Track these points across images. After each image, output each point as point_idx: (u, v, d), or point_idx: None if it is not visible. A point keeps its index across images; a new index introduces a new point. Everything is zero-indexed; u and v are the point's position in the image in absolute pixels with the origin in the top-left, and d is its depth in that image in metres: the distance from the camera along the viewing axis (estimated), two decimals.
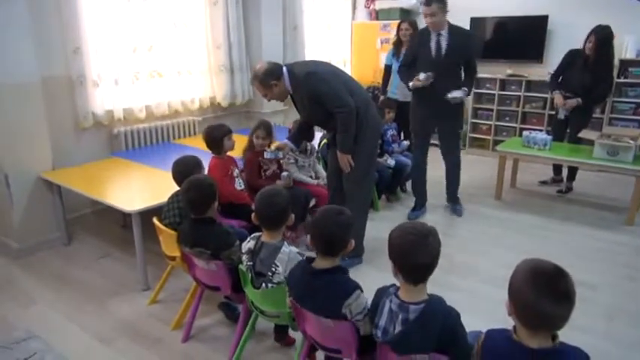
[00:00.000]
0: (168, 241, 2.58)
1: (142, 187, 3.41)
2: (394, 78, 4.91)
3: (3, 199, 3.38)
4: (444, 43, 3.69)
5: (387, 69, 5.12)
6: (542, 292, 1.24)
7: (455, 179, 4.17)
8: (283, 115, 5.54)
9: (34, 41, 3.33)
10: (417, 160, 4.12)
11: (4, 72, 3.15)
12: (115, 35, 3.99)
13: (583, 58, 4.32)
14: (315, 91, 2.89)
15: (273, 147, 3.25)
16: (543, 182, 5.05)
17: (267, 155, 3.23)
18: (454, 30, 3.73)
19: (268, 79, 2.90)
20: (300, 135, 3.34)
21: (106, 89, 3.98)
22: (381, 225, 3.93)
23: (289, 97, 3.07)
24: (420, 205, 4.20)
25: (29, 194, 3.40)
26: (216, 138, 3.16)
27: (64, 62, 3.75)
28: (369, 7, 6.91)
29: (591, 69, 4.27)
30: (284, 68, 2.95)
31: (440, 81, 3.67)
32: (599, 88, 4.32)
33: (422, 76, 3.68)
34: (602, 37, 4.19)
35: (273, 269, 2.02)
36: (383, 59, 5.42)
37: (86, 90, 3.84)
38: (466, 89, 3.75)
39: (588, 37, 4.28)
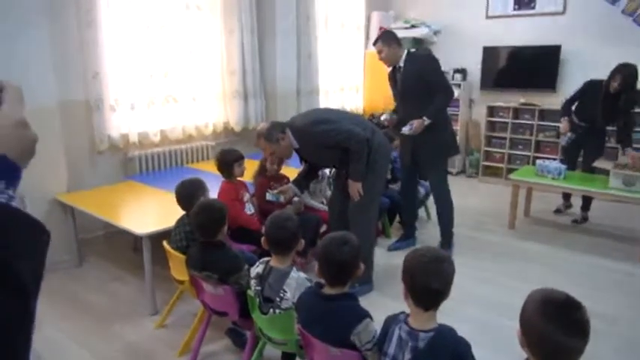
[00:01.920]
0: (177, 265, 2.58)
1: (153, 211, 3.43)
2: None
3: None
4: (401, 74, 3.64)
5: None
6: (554, 322, 1.21)
7: (441, 218, 3.90)
8: None
9: (54, 66, 3.44)
10: (404, 191, 4.02)
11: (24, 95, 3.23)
12: (133, 61, 4.10)
13: (604, 93, 4.25)
14: (323, 137, 2.94)
15: (276, 190, 3.22)
16: (557, 211, 4.98)
17: (268, 197, 3.20)
18: (409, 58, 3.61)
19: (274, 133, 2.95)
20: (306, 181, 3.35)
21: (122, 113, 4.07)
22: (393, 253, 3.90)
23: (295, 152, 3.11)
24: (406, 235, 4.09)
25: (43, 215, 3.43)
26: (228, 162, 3.18)
27: (82, 87, 3.85)
28: None
29: (618, 107, 4.21)
30: (286, 127, 3.01)
31: (407, 113, 3.61)
32: (627, 125, 4.29)
33: (383, 116, 3.70)
34: (630, 75, 4.11)
35: (282, 295, 2.00)
36: None
37: (103, 114, 3.93)
38: (424, 117, 3.50)
39: (613, 75, 4.18)
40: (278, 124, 3.03)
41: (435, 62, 3.64)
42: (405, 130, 3.54)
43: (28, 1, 3.19)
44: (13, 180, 0.55)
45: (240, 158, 3.23)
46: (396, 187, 4.20)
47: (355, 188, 3.04)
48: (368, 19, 6.79)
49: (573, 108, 4.56)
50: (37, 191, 3.40)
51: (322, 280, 1.82)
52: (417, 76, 3.54)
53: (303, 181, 3.31)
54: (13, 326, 0.48)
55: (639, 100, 4.38)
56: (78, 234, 3.63)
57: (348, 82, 6.70)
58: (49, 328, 2.83)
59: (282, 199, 3.20)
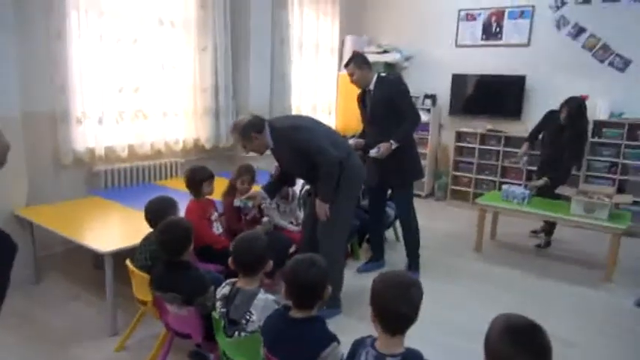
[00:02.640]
0: (140, 285, 2.50)
1: (117, 228, 3.34)
2: None
3: None
4: (370, 97, 3.69)
5: None
6: (518, 347, 1.23)
7: (406, 240, 3.94)
8: (266, 160, 5.55)
9: (19, 76, 3.34)
10: (371, 214, 4.02)
11: None
12: (102, 75, 4.02)
13: (555, 124, 4.52)
14: (299, 144, 2.91)
15: (244, 197, 3.16)
16: (538, 245, 4.92)
17: (236, 203, 3.14)
18: (379, 81, 3.65)
19: (249, 131, 2.91)
20: (276, 186, 3.31)
21: (89, 127, 3.97)
22: (362, 275, 3.90)
23: (269, 150, 3.08)
24: (375, 257, 4.09)
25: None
26: (197, 181, 3.13)
27: (48, 98, 3.74)
28: None
29: (564, 137, 4.45)
30: (266, 123, 2.98)
31: (375, 135, 3.65)
32: (566, 159, 4.49)
33: (350, 140, 3.73)
34: (574, 108, 4.38)
35: (248, 317, 1.95)
36: None
37: (69, 127, 3.83)
38: (392, 141, 3.53)
39: (561, 108, 4.47)
40: (256, 122, 2.94)
41: (404, 87, 3.70)
42: (373, 152, 3.58)
43: None
44: None
45: (209, 177, 3.17)
46: (365, 203, 4.18)
47: (323, 209, 3.01)
48: (342, 43, 6.91)
49: (541, 137, 4.75)
50: None
51: (290, 303, 1.79)
52: (386, 100, 3.58)
53: (273, 187, 3.27)
54: None
55: (584, 132, 4.59)
56: (37, 250, 3.48)
57: (321, 102, 6.76)
58: (2, 350, 2.68)
59: (250, 204, 3.15)
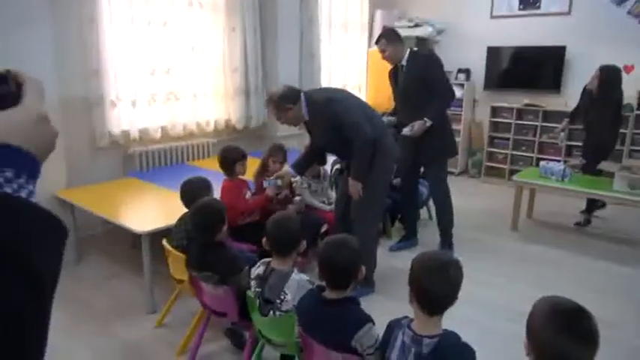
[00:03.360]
0: (177, 264, 2.55)
1: (153, 208, 3.40)
2: None
3: None
4: (402, 74, 3.58)
5: None
6: (564, 332, 1.18)
7: (440, 219, 3.86)
8: (298, 139, 5.55)
9: (55, 62, 3.40)
10: (405, 192, 3.93)
11: None
12: (134, 58, 4.06)
13: (588, 96, 4.31)
14: (335, 118, 2.85)
15: (273, 176, 3.11)
16: (577, 224, 4.71)
17: (265, 185, 3.10)
18: (411, 56, 3.55)
19: (284, 102, 2.88)
20: (306, 163, 3.21)
21: (123, 110, 4.03)
22: (395, 253, 3.87)
23: (303, 124, 3.05)
24: (408, 236, 4.05)
25: None
26: (229, 161, 3.15)
27: (83, 83, 3.81)
28: None
29: (594, 107, 4.24)
30: (302, 94, 2.94)
31: (407, 113, 3.57)
32: (599, 133, 4.28)
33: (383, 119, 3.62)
34: (606, 77, 4.17)
35: (282, 297, 1.97)
36: None
37: (103, 110, 3.90)
38: (425, 119, 3.45)
39: (593, 77, 4.27)
40: (291, 93, 2.91)
41: (437, 63, 3.58)
42: (406, 131, 3.50)
43: None
44: (34, 174, 0.55)
45: (242, 157, 3.19)
46: (397, 181, 4.10)
47: (355, 188, 2.96)
48: (372, 18, 6.75)
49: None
50: (37, 187, 3.36)
51: (324, 283, 1.79)
52: (419, 76, 3.49)
53: (303, 163, 3.19)
54: (25, 318, 0.45)
55: (615, 103, 4.30)
56: (77, 231, 3.60)
57: (351, 80, 6.66)
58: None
59: (279, 182, 3.09)
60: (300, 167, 3.18)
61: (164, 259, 2.71)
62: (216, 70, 4.82)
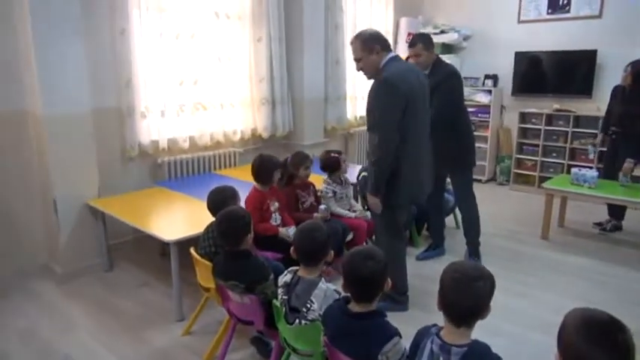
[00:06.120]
0: (204, 272, 2.58)
1: (181, 217, 3.46)
2: None
3: (51, 224, 3.51)
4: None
5: None
6: (597, 345, 1.14)
7: (466, 227, 3.79)
8: (322, 148, 5.56)
9: (88, 75, 3.51)
10: (430, 200, 3.72)
11: (59, 103, 3.33)
12: (163, 69, 4.15)
13: (621, 93, 4.21)
14: (374, 97, 2.68)
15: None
16: (599, 226, 4.66)
17: (322, 208, 3.48)
18: (436, 64, 3.47)
19: (373, 42, 2.67)
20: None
21: (152, 120, 4.12)
22: (421, 262, 3.82)
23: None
24: (435, 245, 3.97)
25: (75, 220, 3.51)
26: (268, 169, 3.18)
27: (115, 94, 3.92)
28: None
29: (627, 102, 4.13)
30: (392, 52, 2.76)
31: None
32: (636, 125, 4.13)
33: None
34: (638, 70, 4.06)
35: (309, 305, 1.96)
36: None
37: (134, 121, 3.99)
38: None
39: (626, 68, 4.18)
40: (384, 40, 2.71)
41: (454, 81, 3.46)
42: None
43: (65, 11, 3.27)
44: None
45: (280, 165, 3.25)
46: None
47: (374, 202, 2.80)
48: (396, 25, 6.74)
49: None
50: (70, 196, 3.47)
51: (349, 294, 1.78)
52: (437, 89, 3.32)
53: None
54: None
55: None
56: (108, 239, 3.69)
57: None
58: (80, 330, 2.88)
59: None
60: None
61: (192, 267, 2.75)
62: (242, 80, 4.89)
